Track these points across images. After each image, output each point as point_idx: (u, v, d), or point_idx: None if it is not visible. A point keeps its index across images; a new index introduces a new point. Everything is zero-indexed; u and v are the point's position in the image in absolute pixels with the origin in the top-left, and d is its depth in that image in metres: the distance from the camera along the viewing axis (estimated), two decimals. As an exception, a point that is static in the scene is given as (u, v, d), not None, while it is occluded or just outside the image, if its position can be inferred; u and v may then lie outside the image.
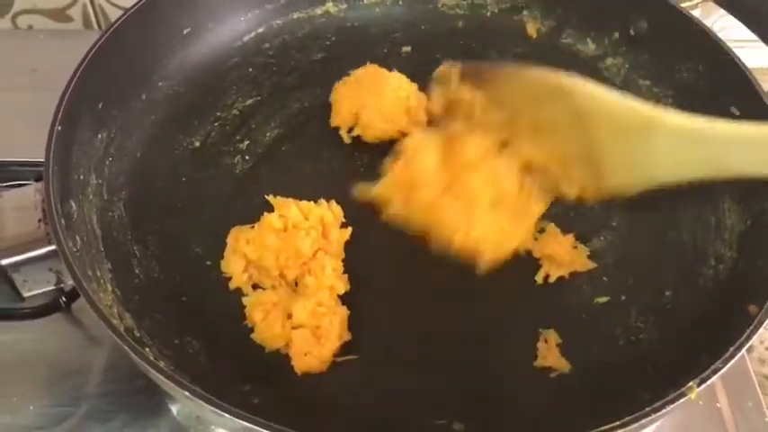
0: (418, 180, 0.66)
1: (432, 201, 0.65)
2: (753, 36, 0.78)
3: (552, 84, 0.65)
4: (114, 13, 1.04)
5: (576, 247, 0.72)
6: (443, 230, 0.65)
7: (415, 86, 0.80)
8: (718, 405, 0.72)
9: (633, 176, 0.64)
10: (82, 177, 0.69)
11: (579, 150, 0.65)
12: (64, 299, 0.72)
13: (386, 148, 0.79)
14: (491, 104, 0.68)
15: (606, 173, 0.65)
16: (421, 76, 0.83)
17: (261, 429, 0.50)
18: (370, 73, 0.80)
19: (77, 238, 0.63)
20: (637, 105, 0.62)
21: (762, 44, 0.78)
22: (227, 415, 0.50)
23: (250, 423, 0.50)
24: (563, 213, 0.75)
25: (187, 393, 0.52)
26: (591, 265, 0.71)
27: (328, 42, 0.89)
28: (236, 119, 0.82)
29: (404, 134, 0.77)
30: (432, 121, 0.77)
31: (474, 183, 0.66)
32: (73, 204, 0.65)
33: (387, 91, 0.78)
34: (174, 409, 0.69)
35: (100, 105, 0.73)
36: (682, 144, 0.60)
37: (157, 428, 0.69)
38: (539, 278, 0.71)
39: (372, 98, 0.78)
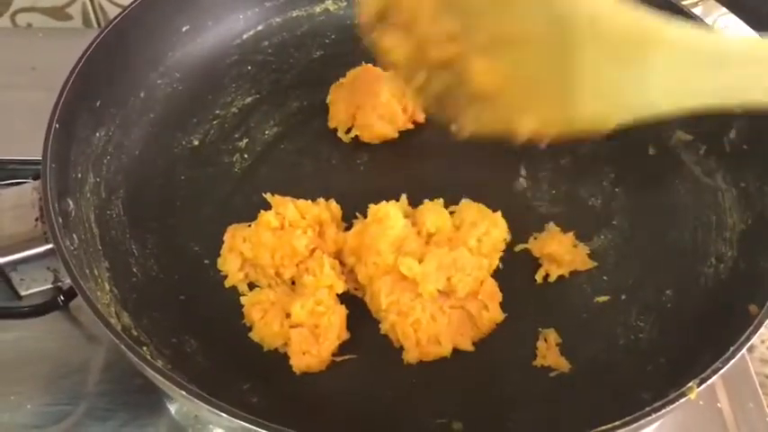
0: None
1: None
2: (753, 34, 0.78)
3: None
4: (113, 11, 1.04)
5: (575, 246, 0.72)
6: None
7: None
8: (718, 405, 0.71)
9: (614, 104, 0.50)
10: (80, 175, 0.68)
11: (549, 71, 0.50)
12: (62, 297, 0.72)
13: (385, 146, 0.79)
14: (440, 9, 0.52)
15: (580, 100, 0.50)
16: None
17: (258, 429, 0.49)
18: (365, 73, 0.80)
19: (75, 236, 0.63)
20: (633, 16, 0.48)
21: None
22: (224, 414, 0.50)
23: (247, 423, 0.49)
24: (563, 212, 0.75)
25: (184, 393, 0.51)
26: (591, 264, 0.71)
27: (327, 41, 0.89)
28: (234, 117, 0.82)
29: (403, 133, 0.77)
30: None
31: None
32: (70, 203, 0.65)
33: (383, 90, 0.78)
34: (172, 408, 0.69)
35: (98, 103, 0.72)
36: (680, 62, 0.48)
37: (156, 427, 0.69)
38: (538, 277, 0.71)
39: (368, 98, 0.77)
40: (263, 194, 0.72)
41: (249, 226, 0.70)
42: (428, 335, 0.65)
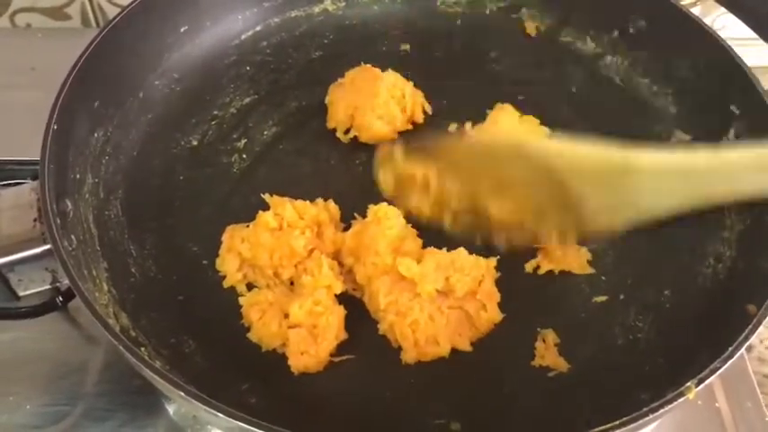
0: None
1: None
2: (753, 34, 0.78)
3: (509, 149, 0.64)
4: (112, 12, 1.04)
5: (578, 249, 0.71)
6: None
7: (410, 84, 0.80)
8: (717, 405, 0.71)
9: (617, 217, 0.63)
10: (78, 176, 0.69)
11: (553, 202, 0.63)
12: (60, 298, 0.72)
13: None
14: (445, 175, 0.67)
15: (588, 218, 0.63)
16: (418, 73, 0.83)
17: (256, 429, 0.50)
18: (363, 73, 0.80)
19: (73, 237, 0.63)
20: (608, 152, 0.61)
21: (762, 42, 0.78)
22: (221, 415, 0.50)
23: (245, 423, 0.49)
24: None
25: (182, 393, 0.52)
26: (588, 269, 0.71)
27: (326, 41, 0.89)
28: (233, 117, 0.82)
29: (401, 133, 0.77)
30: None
31: None
32: (68, 203, 0.65)
33: (381, 91, 0.77)
34: (170, 408, 0.69)
35: (96, 104, 0.72)
36: (662, 180, 0.60)
37: (154, 428, 0.69)
38: (529, 267, 0.71)
39: (367, 99, 0.77)
40: (262, 195, 0.72)
41: (247, 226, 0.70)
42: (426, 335, 0.65)
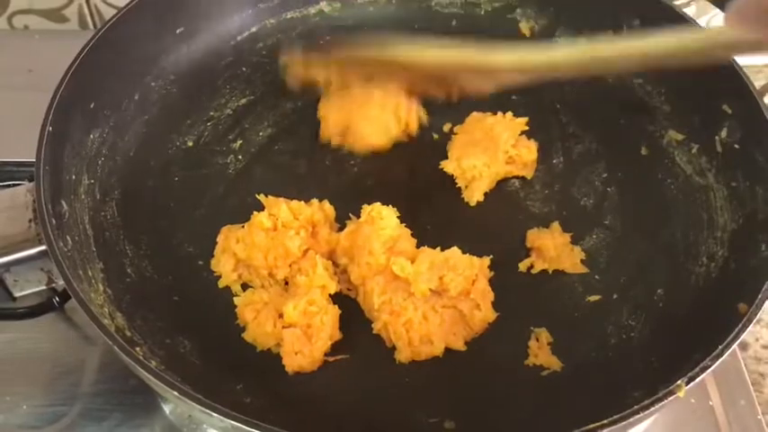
0: None
1: None
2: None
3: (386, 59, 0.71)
4: (109, 13, 1.03)
5: (571, 249, 0.72)
6: None
7: (402, 94, 0.76)
8: (710, 403, 0.71)
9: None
10: (74, 177, 0.69)
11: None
12: (57, 298, 0.72)
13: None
14: (344, 69, 0.74)
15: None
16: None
17: (250, 429, 0.50)
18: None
19: (68, 237, 0.63)
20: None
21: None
22: (215, 414, 0.51)
23: (239, 422, 0.50)
24: (555, 212, 0.76)
25: (176, 393, 0.52)
26: (582, 269, 0.71)
27: (322, 42, 0.89)
28: (229, 118, 0.82)
29: (396, 144, 0.76)
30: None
31: None
32: (64, 204, 0.65)
33: (373, 102, 0.75)
34: (166, 408, 0.69)
35: (92, 105, 0.73)
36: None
37: (151, 428, 0.69)
38: (522, 266, 0.71)
39: (359, 111, 0.75)
40: (257, 195, 0.72)
41: (242, 227, 0.70)
42: (420, 334, 0.65)
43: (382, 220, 0.68)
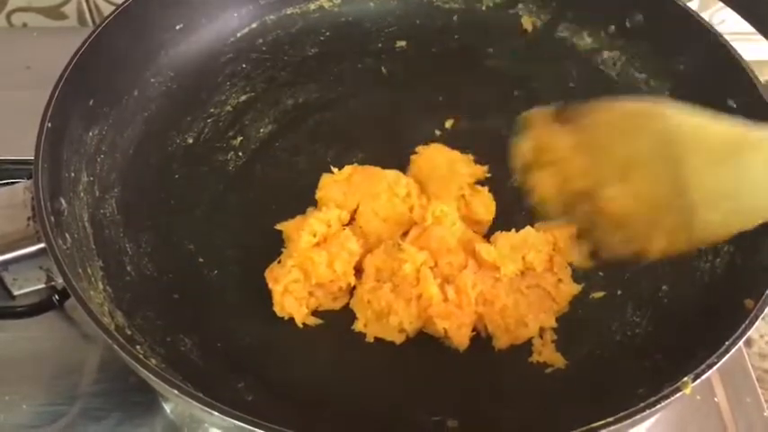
0: None
1: None
2: (751, 29, 0.77)
3: (641, 111, 0.59)
4: (108, 10, 1.03)
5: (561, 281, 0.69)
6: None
7: (412, 182, 0.73)
8: (716, 400, 0.71)
9: (728, 210, 0.56)
10: (73, 175, 0.68)
11: (670, 187, 0.57)
12: (56, 297, 0.71)
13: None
14: (578, 148, 0.61)
15: (700, 210, 0.56)
16: (414, 70, 0.82)
17: (250, 427, 0.49)
18: (361, 171, 0.74)
19: (67, 235, 0.63)
20: (727, 126, 0.55)
21: (760, 37, 0.77)
22: (216, 413, 0.50)
23: (240, 421, 0.49)
24: (559, 208, 0.75)
25: (176, 391, 0.51)
26: (562, 310, 0.69)
27: (322, 38, 0.88)
28: (229, 115, 0.82)
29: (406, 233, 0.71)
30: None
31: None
32: (63, 202, 0.64)
33: (382, 190, 0.71)
34: (167, 407, 0.69)
35: (91, 102, 0.72)
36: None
37: (151, 427, 0.69)
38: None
39: (366, 200, 0.71)
40: (276, 227, 0.71)
41: (278, 262, 0.68)
42: (515, 318, 0.65)
43: (448, 217, 0.69)
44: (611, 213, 0.59)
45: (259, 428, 0.49)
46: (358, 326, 0.67)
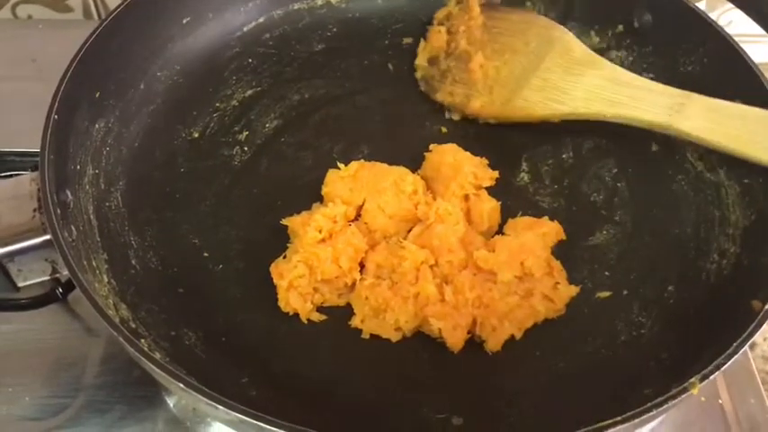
0: None
1: None
2: (760, 31, 0.77)
3: (543, 21, 0.82)
4: (114, 3, 1.02)
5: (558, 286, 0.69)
6: None
7: (419, 179, 0.73)
8: (720, 401, 0.71)
9: (546, 98, 0.77)
10: (78, 167, 0.68)
11: (522, 71, 0.79)
12: (60, 289, 0.71)
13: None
14: (487, 28, 0.83)
15: (526, 89, 0.78)
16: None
17: (255, 422, 0.49)
18: (368, 167, 0.73)
19: (73, 228, 0.62)
20: (590, 50, 0.78)
21: (768, 39, 0.78)
22: (220, 407, 0.50)
23: (243, 415, 0.49)
24: (565, 207, 0.75)
25: (181, 385, 0.51)
26: (560, 311, 0.68)
27: (329, 34, 0.88)
28: (235, 110, 0.81)
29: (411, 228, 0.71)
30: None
31: None
32: (69, 194, 0.64)
33: (388, 186, 0.71)
34: (170, 401, 0.69)
35: (97, 95, 0.72)
36: (602, 82, 0.75)
37: (154, 420, 0.69)
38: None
39: (372, 196, 0.71)
40: (282, 222, 0.71)
41: (284, 257, 0.68)
42: (512, 323, 0.65)
43: (451, 216, 0.68)
44: (471, 73, 0.81)
45: (263, 422, 0.49)
46: (355, 321, 0.66)
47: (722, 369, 0.54)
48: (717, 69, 0.77)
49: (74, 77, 0.68)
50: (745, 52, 0.74)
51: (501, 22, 0.84)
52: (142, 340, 0.60)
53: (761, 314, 0.57)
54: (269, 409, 0.51)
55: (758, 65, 0.73)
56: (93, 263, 0.64)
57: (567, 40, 0.79)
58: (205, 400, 0.50)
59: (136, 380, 0.70)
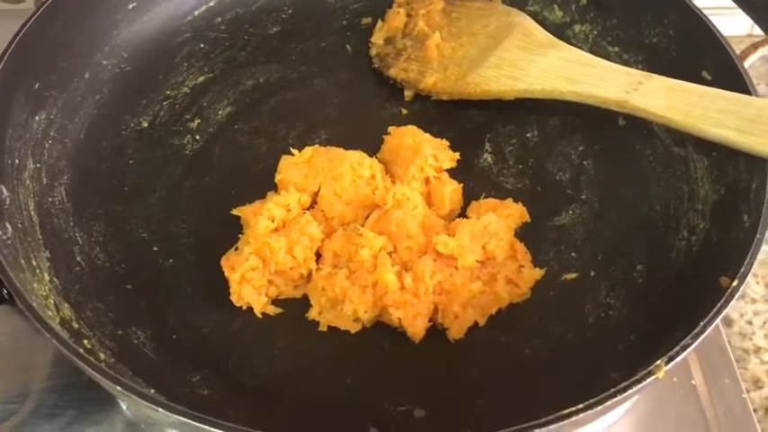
0: None
1: None
2: (728, 3, 0.75)
3: (504, 9, 0.83)
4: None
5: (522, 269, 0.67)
6: None
7: (377, 163, 0.70)
8: (693, 382, 0.69)
9: (502, 75, 0.76)
10: (17, 161, 0.65)
11: (479, 53, 0.78)
12: (5, 291, 0.68)
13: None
14: (447, 13, 0.83)
15: (482, 66, 0.77)
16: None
17: (196, 423, 0.46)
18: (323, 152, 0.70)
19: (8, 225, 0.60)
20: (550, 35, 0.78)
21: (737, 11, 0.75)
22: (160, 409, 0.47)
23: (184, 417, 0.46)
24: (530, 188, 0.73)
25: (119, 387, 0.49)
26: (525, 295, 0.66)
27: (284, 15, 0.85)
28: (186, 97, 0.78)
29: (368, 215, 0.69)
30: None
31: None
32: (4, 190, 0.61)
33: (344, 172, 0.68)
34: (123, 404, 0.66)
35: (37, 85, 0.69)
36: (558, 63, 0.74)
37: (109, 424, 0.66)
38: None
39: (328, 182, 0.68)
40: (232, 212, 0.68)
41: (235, 249, 0.66)
42: (474, 309, 0.63)
43: (409, 201, 0.66)
44: (428, 50, 0.80)
45: (204, 424, 0.46)
46: (312, 313, 0.64)
47: (689, 349, 0.52)
48: (683, 41, 0.75)
49: (8, 68, 0.65)
50: (711, 22, 0.72)
51: (461, 9, 0.83)
52: (85, 341, 0.57)
53: (729, 291, 0.55)
54: (220, 408, 0.50)
55: (726, 38, 0.71)
56: (34, 261, 0.61)
57: (527, 25, 0.79)
58: (144, 402, 0.48)
59: (88, 383, 0.66)
